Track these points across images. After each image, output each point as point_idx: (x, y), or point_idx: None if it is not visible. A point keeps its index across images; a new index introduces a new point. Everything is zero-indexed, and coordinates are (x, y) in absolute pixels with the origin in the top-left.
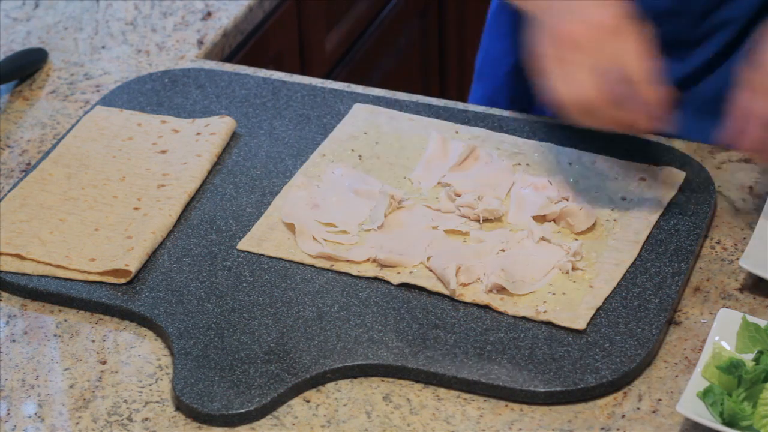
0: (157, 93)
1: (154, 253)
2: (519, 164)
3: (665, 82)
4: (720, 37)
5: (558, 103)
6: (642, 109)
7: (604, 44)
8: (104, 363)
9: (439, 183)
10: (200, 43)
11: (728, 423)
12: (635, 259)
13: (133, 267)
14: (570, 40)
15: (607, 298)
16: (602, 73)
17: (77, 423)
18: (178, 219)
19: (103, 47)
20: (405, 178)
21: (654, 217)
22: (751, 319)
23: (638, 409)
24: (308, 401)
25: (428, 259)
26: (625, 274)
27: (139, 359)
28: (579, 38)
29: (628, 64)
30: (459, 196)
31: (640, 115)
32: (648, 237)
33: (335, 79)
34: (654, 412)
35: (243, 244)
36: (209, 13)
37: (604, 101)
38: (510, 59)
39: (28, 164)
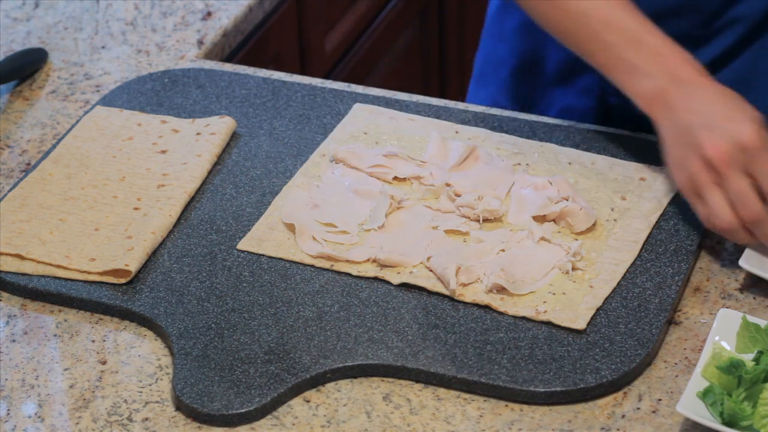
0: (157, 93)
1: (154, 253)
2: (519, 164)
3: None
4: (729, 35)
5: (708, 224)
6: None
7: (747, 164)
8: (104, 363)
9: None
10: (200, 43)
11: (728, 423)
12: (635, 259)
13: (133, 267)
14: (719, 161)
15: (607, 298)
16: (744, 197)
17: (77, 423)
18: (178, 219)
19: (103, 47)
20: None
21: (654, 217)
22: (751, 319)
23: (638, 409)
24: (308, 401)
25: (428, 259)
26: (625, 274)
27: (139, 359)
28: (727, 159)
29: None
30: (459, 196)
31: None
32: (648, 237)
33: (335, 79)
34: (654, 412)
35: (243, 244)
36: (209, 13)
37: (747, 224)
38: (513, 61)
39: (28, 164)
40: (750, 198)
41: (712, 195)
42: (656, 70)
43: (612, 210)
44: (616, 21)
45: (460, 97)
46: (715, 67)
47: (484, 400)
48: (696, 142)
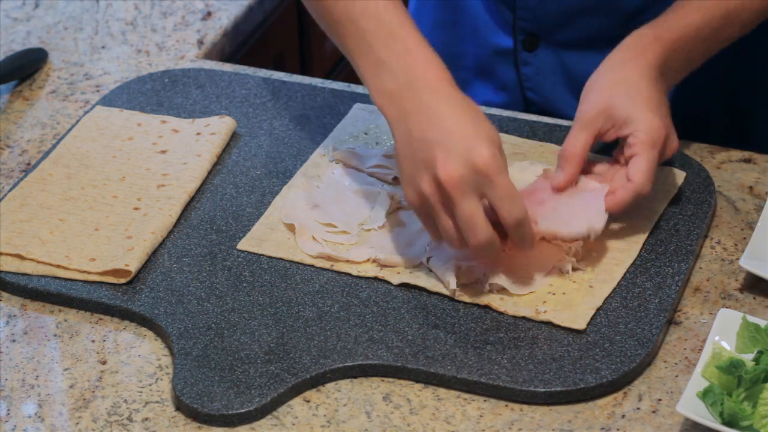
0: (157, 93)
1: (154, 253)
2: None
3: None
4: None
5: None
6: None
7: (480, 188)
8: (104, 363)
9: None
10: (200, 43)
11: (728, 423)
12: (635, 259)
13: (133, 267)
14: (450, 184)
15: (607, 298)
16: (472, 223)
17: (77, 423)
18: (178, 219)
19: (103, 47)
20: None
21: (654, 217)
22: (751, 319)
23: (638, 409)
24: (308, 401)
25: (428, 259)
26: (625, 274)
27: (139, 359)
28: (459, 183)
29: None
30: None
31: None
32: (648, 237)
33: (335, 79)
34: (654, 412)
35: (243, 244)
36: (209, 13)
37: (475, 248)
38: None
39: (28, 164)
40: (478, 224)
41: (441, 218)
42: (400, 68)
43: None
44: (376, 11)
45: None
46: None
47: (484, 400)
48: (429, 160)
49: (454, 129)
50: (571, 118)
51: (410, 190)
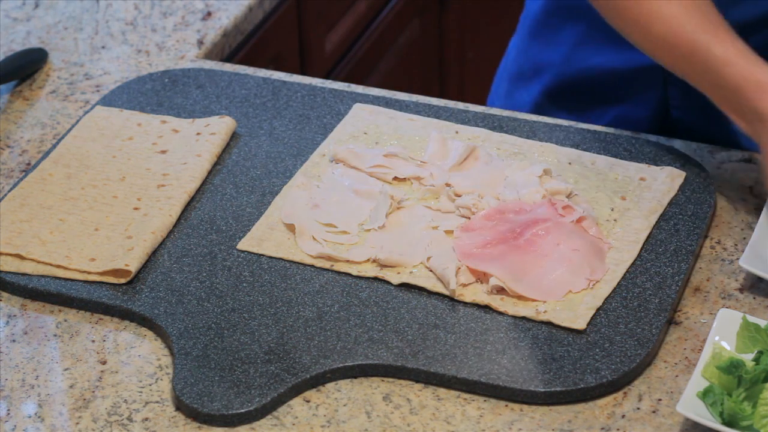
0: (157, 93)
1: (154, 253)
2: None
3: None
4: None
5: None
6: None
7: None
8: (104, 363)
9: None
10: (200, 43)
11: (728, 423)
12: (635, 259)
13: (133, 267)
14: None
15: (607, 298)
16: None
17: (77, 423)
18: (178, 219)
19: (103, 47)
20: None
21: (654, 217)
22: (751, 319)
23: (638, 409)
24: (308, 401)
25: (428, 259)
26: (625, 274)
27: (139, 359)
28: None
29: None
30: (459, 196)
31: None
32: (648, 237)
33: (335, 79)
34: (654, 412)
35: (243, 244)
36: (209, 13)
37: None
38: (565, 68)
39: (28, 164)
40: None
41: None
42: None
43: (612, 210)
44: (734, 59)
45: (460, 97)
46: None
47: (484, 400)
48: None
49: None
50: (722, 138)
51: None
